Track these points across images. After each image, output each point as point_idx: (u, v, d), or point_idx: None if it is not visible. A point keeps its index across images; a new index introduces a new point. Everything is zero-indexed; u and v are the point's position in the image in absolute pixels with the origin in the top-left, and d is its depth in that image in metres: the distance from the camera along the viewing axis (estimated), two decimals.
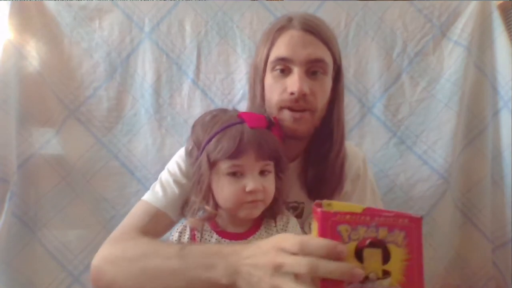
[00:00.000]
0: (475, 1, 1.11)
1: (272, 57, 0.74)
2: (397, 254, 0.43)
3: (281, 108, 0.73)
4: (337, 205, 0.47)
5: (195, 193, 0.66)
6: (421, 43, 1.13)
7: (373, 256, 0.43)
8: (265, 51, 0.75)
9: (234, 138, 0.60)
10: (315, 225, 0.46)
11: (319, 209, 0.44)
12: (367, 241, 0.43)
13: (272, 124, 0.67)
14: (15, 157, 1.01)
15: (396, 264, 0.43)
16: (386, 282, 0.43)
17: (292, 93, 0.70)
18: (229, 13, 1.12)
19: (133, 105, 1.10)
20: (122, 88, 1.10)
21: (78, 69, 1.09)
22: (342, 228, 0.43)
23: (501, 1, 1.17)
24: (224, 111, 0.69)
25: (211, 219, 0.65)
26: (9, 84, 1.00)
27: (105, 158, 1.08)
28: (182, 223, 0.66)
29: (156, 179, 1.07)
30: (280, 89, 0.73)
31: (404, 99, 1.13)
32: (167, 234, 0.73)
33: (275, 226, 0.66)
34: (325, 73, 0.74)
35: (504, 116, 1.10)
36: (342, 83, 0.81)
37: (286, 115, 0.73)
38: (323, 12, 1.11)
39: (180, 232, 0.65)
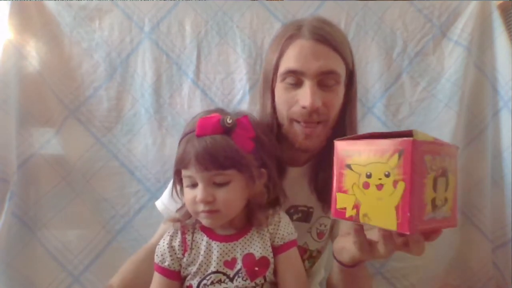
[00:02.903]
0: (475, 1, 1.11)
1: (282, 68, 0.72)
2: (452, 182, 0.45)
3: (291, 121, 0.72)
4: (416, 133, 0.44)
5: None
6: (421, 43, 1.13)
7: (442, 185, 0.44)
8: (274, 60, 0.73)
9: (181, 148, 0.61)
10: (395, 157, 0.43)
11: (410, 138, 0.42)
12: (440, 171, 0.44)
13: (229, 128, 0.60)
14: (15, 157, 1.01)
15: (451, 191, 0.45)
16: (444, 208, 0.45)
17: (304, 107, 0.69)
18: (229, 13, 1.12)
19: (133, 105, 1.10)
20: (122, 88, 1.10)
21: (78, 69, 1.09)
22: (427, 158, 0.43)
23: (501, 1, 1.17)
24: (204, 113, 0.65)
25: (180, 222, 0.66)
26: (9, 84, 1.00)
27: (105, 158, 1.08)
28: (174, 227, 0.66)
29: (156, 179, 1.09)
30: (291, 101, 0.71)
31: (404, 99, 1.13)
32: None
33: (267, 226, 0.65)
34: (338, 83, 0.72)
35: (504, 116, 1.10)
36: (355, 87, 0.78)
37: (298, 129, 0.72)
38: (323, 12, 1.11)
39: (171, 236, 0.65)
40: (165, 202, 0.85)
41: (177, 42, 1.11)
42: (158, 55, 1.10)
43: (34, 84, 1.05)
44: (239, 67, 1.12)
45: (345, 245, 0.60)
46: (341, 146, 0.50)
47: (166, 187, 0.88)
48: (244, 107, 1.10)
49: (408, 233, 0.41)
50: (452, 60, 1.11)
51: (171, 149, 1.09)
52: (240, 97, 1.12)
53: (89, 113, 1.09)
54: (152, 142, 1.09)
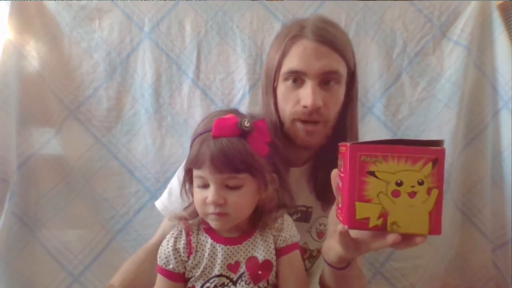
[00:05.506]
0: (475, 1, 1.11)
1: (284, 68, 0.73)
2: None
3: (293, 120, 0.73)
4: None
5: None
6: (421, 43, 1.13)
7: None
8: (277, 60, 0.74)
9: (196, 148, 0.59)
10: (429, 166, 0.46)
11: (443, 148, 0.45)
12: None
13: (247, 132, 0.59)
14: (15, 157, 1.01)
15: None
16: None
17: (305, 107, 0.70)
18: (229, 13, 1.12)
19: (133, 105, 1.10)
20: (122, 88, 1.10)
21: (78, 69, 1.09)
22: None
23: (501, 1, 1.17)
24: (219, 113, 0.64)
25: (185, 220, 0.65)
26: (9, 84, 1.00)
27: (105, 158, 1.08)
28: (178, 228, 0.65)
29: (156, 179, 1.09)
30: (293, 101, 0.72)
31: (404, 99, 1.13)
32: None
33: (270, 229, 0.64)
34: (339, 83, 0.73)
35: (504, 116, 1.10)
36: (356, 88, 0.79)
37: (299, 127, 0.72)
38: (323, 12, 1.11)
39: (176, 237, 0.64)
40: (164, 202, 0.85)
41: (177, 42, 1.11)
42: (158, 55, 1.10)
43: (34, 84, 1.05)
44: (239, 67, 1.12)
45: (331, 244, 0.60)
46: (359, 152, 0.47)
47: (165, 187, 0.88)
48: (244, 107, 1.10)
49: (439, 234, 0.45)
50: (452, 60, 1.11)
51: (171, 149, 1.09)
52: (240, 97, 1.12)
53: (89, 113, 1.09)
54: (151, 142, 1.09)
